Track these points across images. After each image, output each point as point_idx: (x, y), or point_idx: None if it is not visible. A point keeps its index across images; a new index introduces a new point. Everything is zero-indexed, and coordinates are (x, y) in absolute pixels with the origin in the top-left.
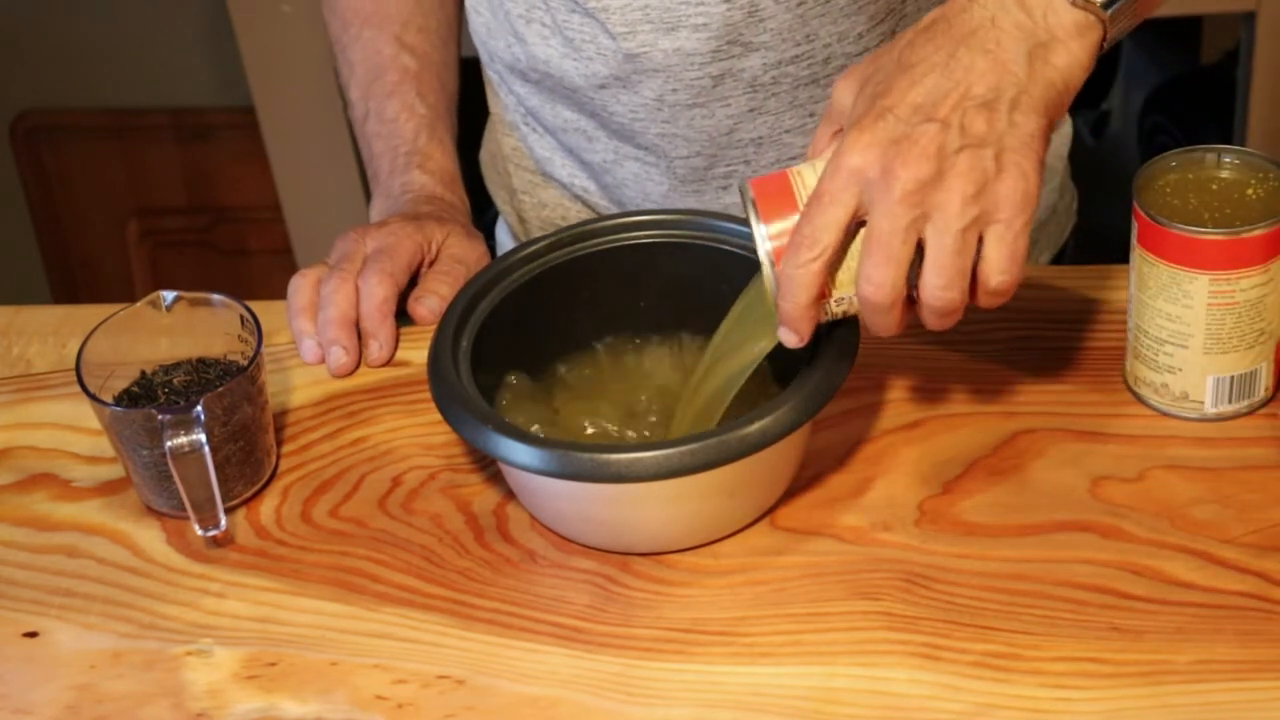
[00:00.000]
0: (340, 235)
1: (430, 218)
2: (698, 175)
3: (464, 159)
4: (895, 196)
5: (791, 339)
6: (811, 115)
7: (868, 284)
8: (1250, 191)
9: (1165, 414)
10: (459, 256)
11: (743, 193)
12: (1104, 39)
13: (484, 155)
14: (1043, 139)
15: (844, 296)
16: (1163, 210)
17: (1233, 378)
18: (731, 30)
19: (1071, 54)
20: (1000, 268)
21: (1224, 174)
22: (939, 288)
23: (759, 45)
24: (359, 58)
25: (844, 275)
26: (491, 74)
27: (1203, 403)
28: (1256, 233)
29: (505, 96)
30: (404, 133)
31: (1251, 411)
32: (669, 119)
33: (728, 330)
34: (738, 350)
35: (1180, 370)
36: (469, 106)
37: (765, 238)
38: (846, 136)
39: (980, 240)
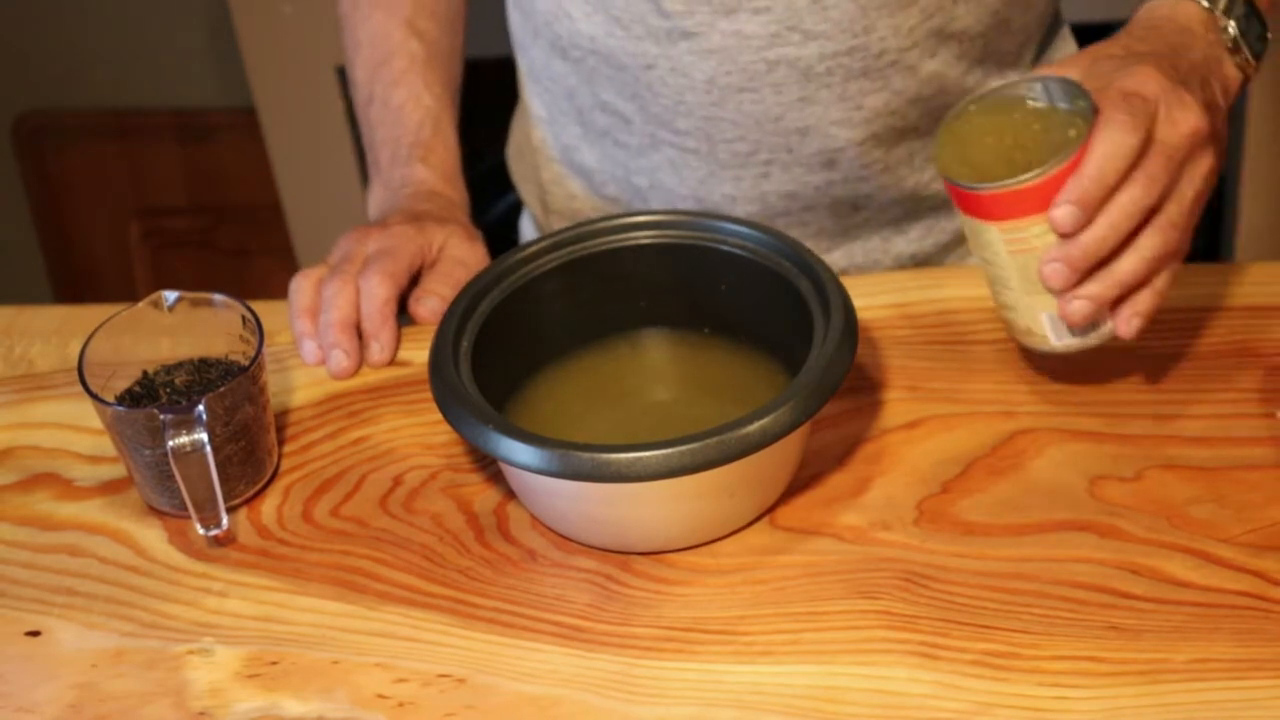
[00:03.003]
0: (342, 235)
1: (430, 217)
2: (739, 160)
3: (488, 153)
4: (1190, 126)
5: (1070, 218)
6: (859, 108)
7: (1146, 180)
8: (1042, 128)
9: (1026, 348)
10: (459, 258)
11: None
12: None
13: (511, 149)
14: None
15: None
16: (956, 157)
17: None
18: (793, 15)
19: (1229, 105)
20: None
21: (1030, 107)
22: (1173, 225)
23: (818, 34)
24: (366, 38)
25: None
26: (525, 62)
27: (1046, 337)
28: (1028, 183)
29: (536, 84)
30: (408, 123)
31: (1103, 342)
32: (718, 101)
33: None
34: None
35: (1016, 308)
36: (492, 105)
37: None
38: (1141, 65)
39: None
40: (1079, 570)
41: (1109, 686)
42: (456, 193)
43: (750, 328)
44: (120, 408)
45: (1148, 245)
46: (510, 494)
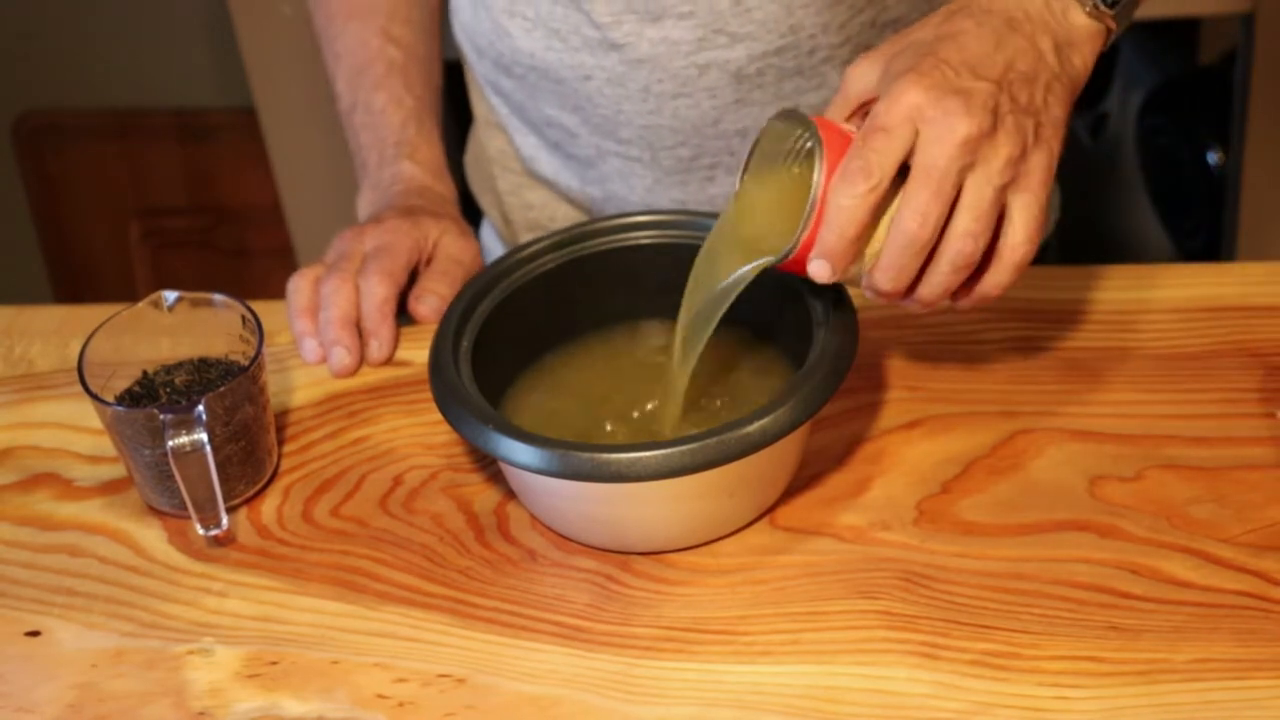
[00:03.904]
0: (337, 234)
1: (424, 213)
2: (683, 166)
3: (450, 163)
4: (957, 138)
5: (825, 271)
6: (796, 107)
7: (914, 215)
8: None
9: None
10: (455, 256)
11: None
12: (1105, 46)
13: (468, 159)
14: (1065, 127)
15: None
16: (749, 208)
17: None
18: (717, 19)
19: (1084, 56)
20: (1025, 236)
21: (798, 160)
22: (968, 234)
23: (744, 36)
24: (344, 50)
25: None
26: (477, 74)
27: None
28: (789, 257)
29: (491, 97)
30: (392, 124)
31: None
32: (654, 109)
33: (700, 271)
34: (713, 280)
35: None
36: (452, 112)
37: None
38: (902, 79)
39: (1003, 211)
40: (1079, 570)
41: (1109, 686)
42: (446, 188)
43: (751, 327)
44: (120, 408)
45: (945, 261)
46: (510, 494)
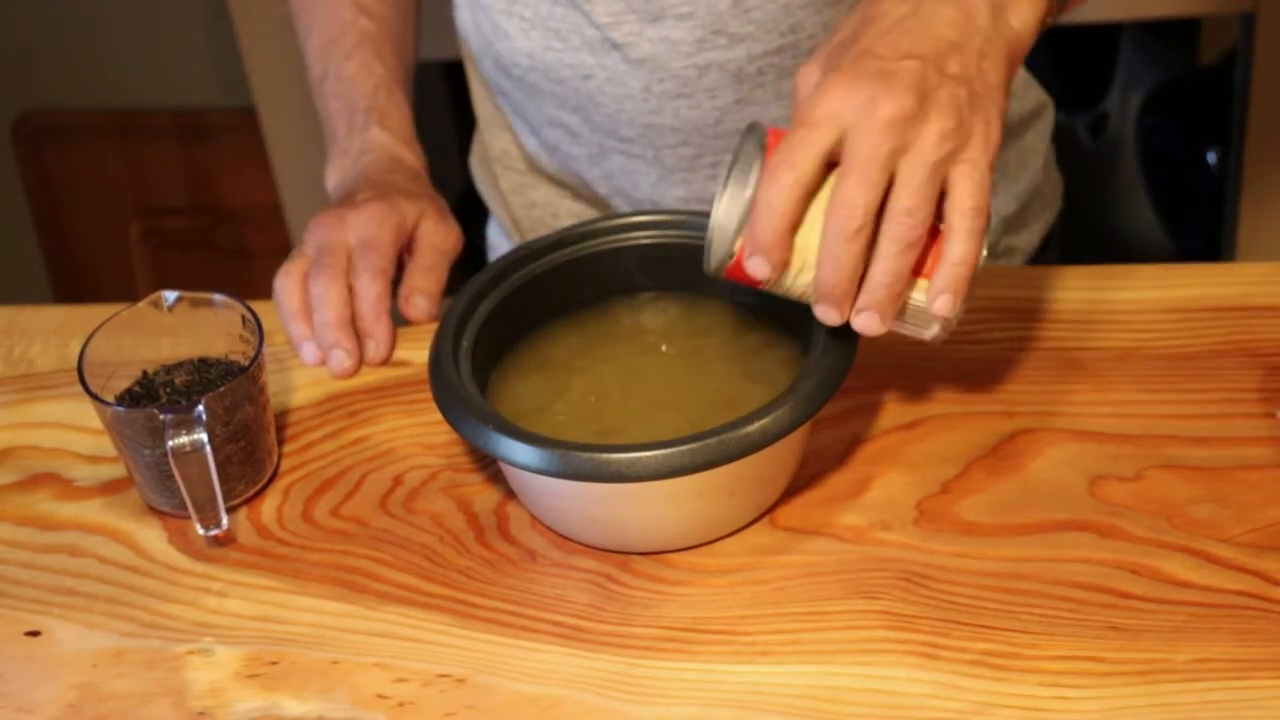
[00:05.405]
0: (315, 219)
1: (398, 192)
2: (686, 165)
3: (457, 164)
4: (879, 123)
5: (762, 267)
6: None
7: (843, 206)
8: None
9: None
10: (437, 245)
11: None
12: (1050, 6)
13: (474, 160)
14: (1005, 91)
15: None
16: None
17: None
18: (717, 20)
19: (1023, 17)
20: (972, 202)
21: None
22: (904, 212)
23: (744, 36)
24: (316, 23)
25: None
26: (481, 75)
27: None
28: (730, 264)
29: (494, 96)
30: (363, 90)
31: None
32: (655, 109)
33: None
34: None
35: None
36: (452, 112)
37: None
38: (826, 78)
39: (946, 183)
40: (1079, 570)
41: (1109, 686)
42: (415, 157)
43: (750, 326)
44: (120, 408)
45: (888, 241)
46: (510, 494)
